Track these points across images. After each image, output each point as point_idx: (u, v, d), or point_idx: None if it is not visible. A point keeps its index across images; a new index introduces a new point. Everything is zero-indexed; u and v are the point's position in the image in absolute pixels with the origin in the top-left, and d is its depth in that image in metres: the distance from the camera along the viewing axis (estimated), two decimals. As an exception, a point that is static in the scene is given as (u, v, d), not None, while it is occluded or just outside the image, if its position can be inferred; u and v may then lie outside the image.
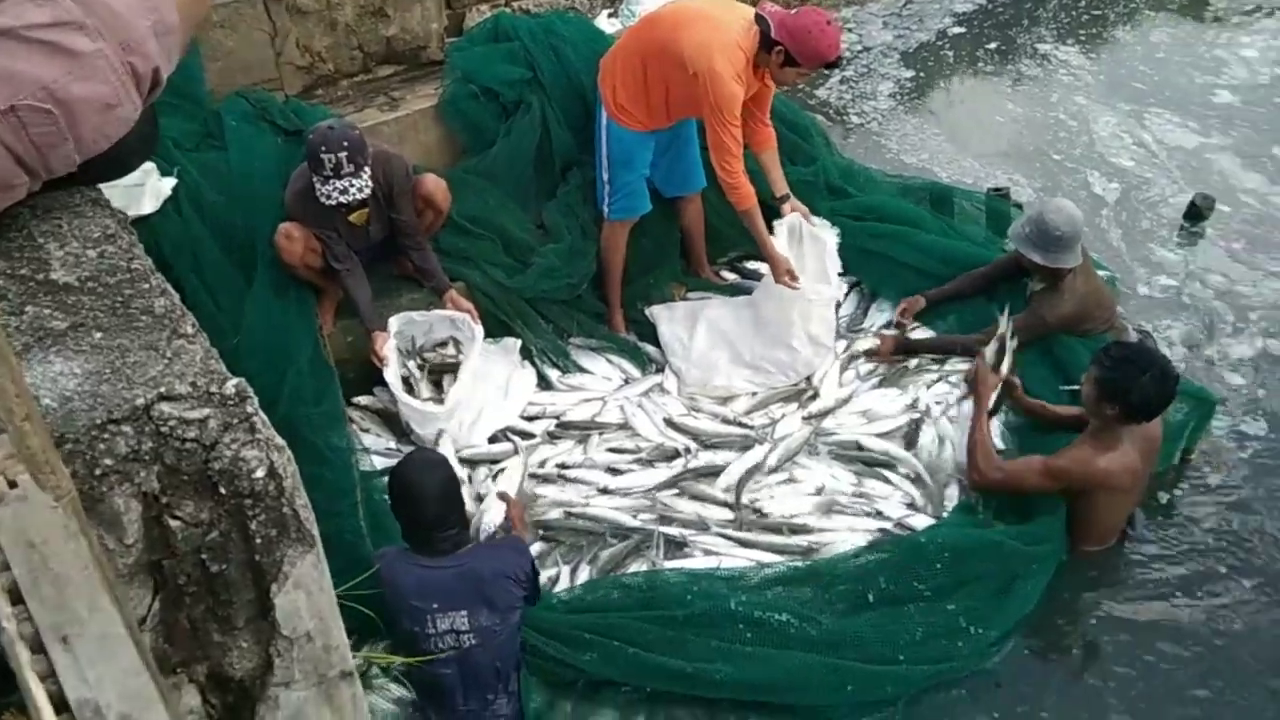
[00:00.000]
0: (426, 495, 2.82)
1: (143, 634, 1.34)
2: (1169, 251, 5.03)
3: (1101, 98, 6.42)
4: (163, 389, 1.32)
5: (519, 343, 4.09)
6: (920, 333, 4.20)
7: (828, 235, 4.21)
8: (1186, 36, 7.21)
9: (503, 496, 3.50)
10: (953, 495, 3.57)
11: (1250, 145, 5.88)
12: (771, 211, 4.11)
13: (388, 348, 3.73)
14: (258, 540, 1.36)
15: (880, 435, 3.82)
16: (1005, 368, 3.63)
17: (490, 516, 3.47)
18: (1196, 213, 5.20)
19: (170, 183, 3.65)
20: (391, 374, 3.72)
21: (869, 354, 4.13)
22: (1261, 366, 4.28)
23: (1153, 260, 4.97)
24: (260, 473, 1.32)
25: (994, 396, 3.57)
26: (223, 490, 1.33)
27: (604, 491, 3.64)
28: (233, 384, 1.35)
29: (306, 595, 1.43)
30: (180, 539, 1.35)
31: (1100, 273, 4.14)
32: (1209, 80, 6.57)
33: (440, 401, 3.80)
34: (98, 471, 1.27)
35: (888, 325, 4.32)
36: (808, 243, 4.18)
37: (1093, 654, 3.20)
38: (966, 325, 4.15)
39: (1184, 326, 4.50)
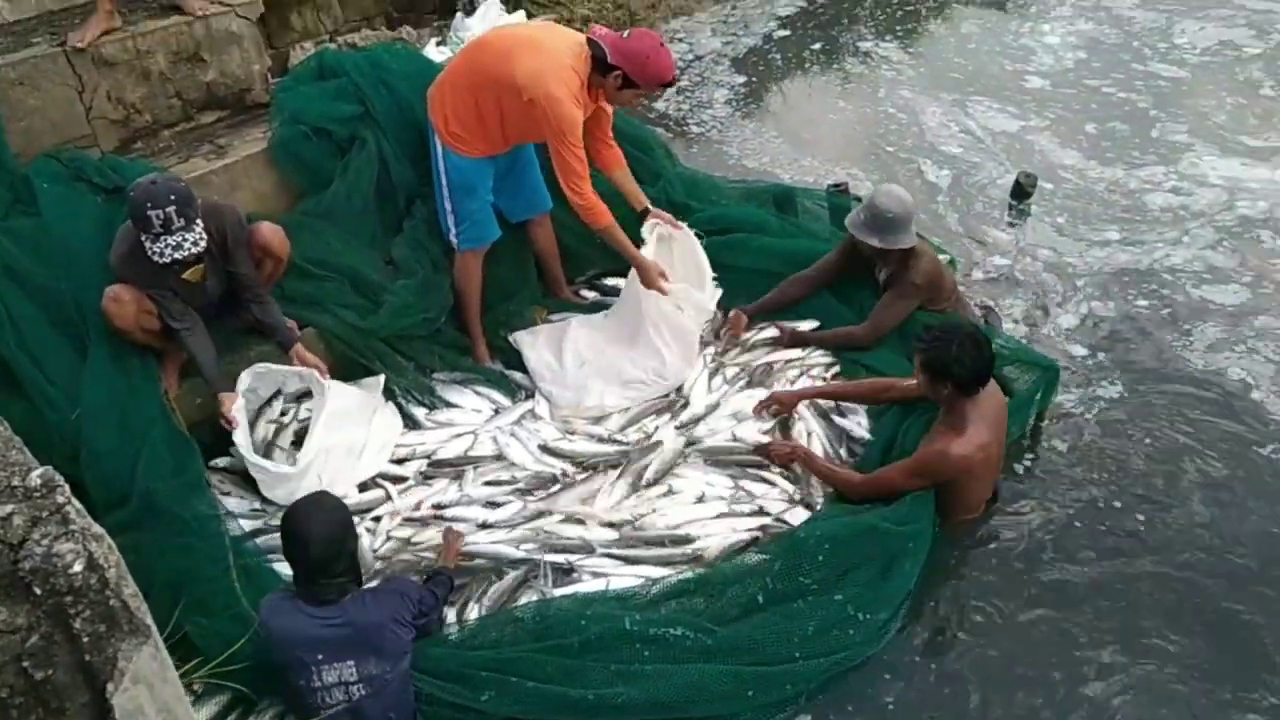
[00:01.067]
0: (311, 539, 2.73)
1: (-35, 759, 1.22)
2: (1001, 231, 5.30)
3: (925, 90, 6.75)
4: (-43, 488, 1.21)
5: (382, 379, 3.97)
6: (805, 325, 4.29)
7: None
8: (994, 27, 7.67)
9: (443, 531, 3.45)
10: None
11: (1065, 125, 6.27)
12: (636, 227, 4.13)
13: (235, 409, 3.56)
14: (85, 639, 1.25)
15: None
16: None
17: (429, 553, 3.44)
18: (1021, 191, 5.50)
19: (-21, 255, 3.41)
20: (241, 436, 3.56)
21: (775, 341, 4.20)
22: (1095, 331, 4.55)
23: (987, 240, 5.23)
24: (78, 566, 1.22)
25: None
26: (38, 590, 1.22)
27: (484, 526, 3.56)
28: (38, 474, 1.25)
29: (148, 689, 1.33)
30: (-4, 649, 1.24)
31: (940, 256, 4.31)
32: (1019, 67, 7.00)
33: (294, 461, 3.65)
34: (-111, 588, 1.15)
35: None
36: (678, 247, 4.20)
37: (976, 622, 3.31)
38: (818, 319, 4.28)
39: (1022, 301, 4.75)
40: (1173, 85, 6.72)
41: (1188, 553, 3.45)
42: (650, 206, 4.22)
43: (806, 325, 4.26)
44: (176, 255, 3.26)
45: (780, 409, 3.89)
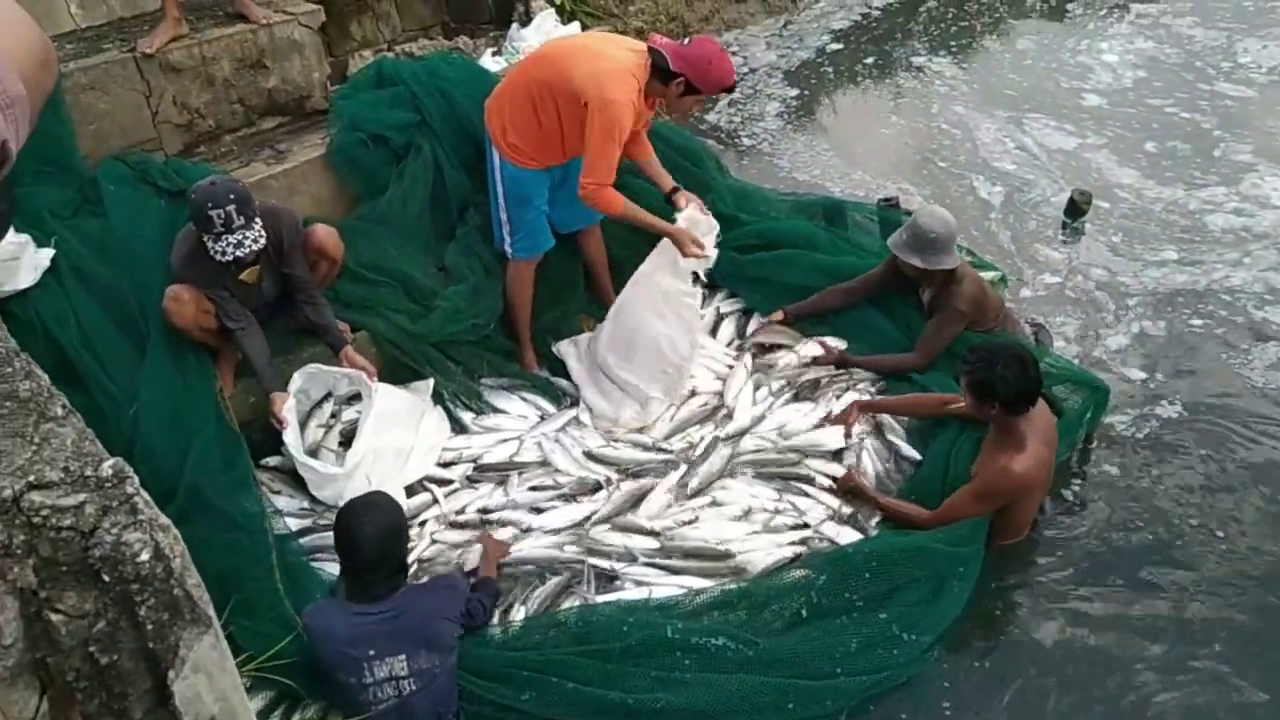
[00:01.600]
0: (363, 538, 2.77)
1: (31, 739, 1.26)
2: (1053, 250, 5.23)
3: (979, 106, 6.68)
4: (32, 477, 1.24)
5: (431, 383, 4.02)
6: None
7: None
8: (1051, 43, 7.56)
9: (483, 539, 3.46)
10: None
11: (1124, 144, 6.17)
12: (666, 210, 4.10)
13: (286, 408, 3.63)
14: (149, 626, 1.29)
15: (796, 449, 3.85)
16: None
17: (471, 558, 3.45)
18: (1075, 208, 5.42)
19: (48, 253, 3.52)
20: (290, 436, 3.62)
21: (816, 360, 4.17)
22: (1148, 350, 4.47)
23: (1040, 258, 5.16)
24: (145, 555, 1.25)
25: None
26: (106, 578, 1.25)
27: (527, 532, 3.59)
28: (109, 464, 1.28)
29: (207, 678, 1.36)
30: (64, 633, 1.27)
31: (991, 273, 4.28)
32: (1076, 85, 6.90)
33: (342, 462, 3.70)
34: (-34, 571, 1.20)
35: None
36: (701, 230, 4.18)
37: (1018, 649, 3.26)
38: (847, 336, 4.27)
39: (1074, 320, 4.68)
40: (1239, 105, 6.57)
41: (1243, 585, 3.37)
42: (678, 186, 4.17)
43: (837, 342, 4.24)
44: (238, 253, 3.33)
45: (846, 421, 3.86)
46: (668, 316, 4.08)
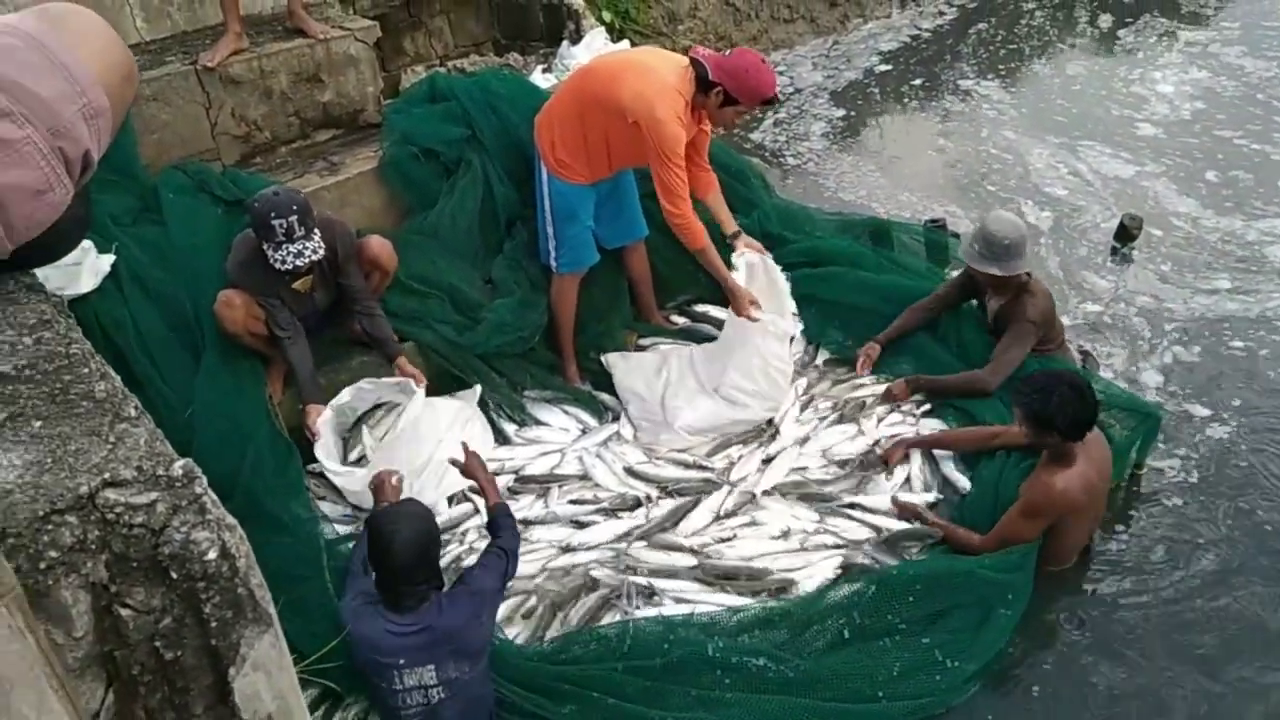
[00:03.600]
0: (395, 546, 2.77)
1: (96, 730, 1.30)
2: (1100, 277, 5.17)
3: (1029, 131, 6.64)
4: (107, 475, 1.28)
5: (478, 390, 4.05)
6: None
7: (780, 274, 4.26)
8: (1101, 70, 7.50)
9: (457, 461, 3.35)
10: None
11: (1183, 172, 6.07)
12: (725, 251, 4.14)
13: (321, 421, 3.67)
14: (213, 623, 1.32)
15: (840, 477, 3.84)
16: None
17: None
18: (1125, 233, 5.36)
19: (109, 259, 3.60)
20: (321, 449, 3.65)
21: (887, 396, 4.08)
22: (1198, 378, 4.40)
23: (1086, 285, 5.10)
24: (212, 554, 1.28)
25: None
26: (174, 575, 1.29)
27: (567, 550, 3.59)
28: (180, 465, 1.32)
29: (266, 676, 1.39)
30: (132, 628, 1.31)
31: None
32: (1129, 114, 6.81)
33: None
34: (42, 565, 1.23)
35: (838, 362, 4.37)
36: (762, 278, 4.22)
37: (1067, 682, 3.20)
38: (922, 362, 4.21)
39: (1121, 348, 4.61)
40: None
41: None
42: (740, 231, 4.23)
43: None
44: (297, 262, 3.39)
45: (891, 459, 3.83)
46: (756, 377, 4.06)
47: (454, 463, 3.36)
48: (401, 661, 2.78)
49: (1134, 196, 5.84)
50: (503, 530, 3.11)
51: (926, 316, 4.23)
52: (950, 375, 4.05)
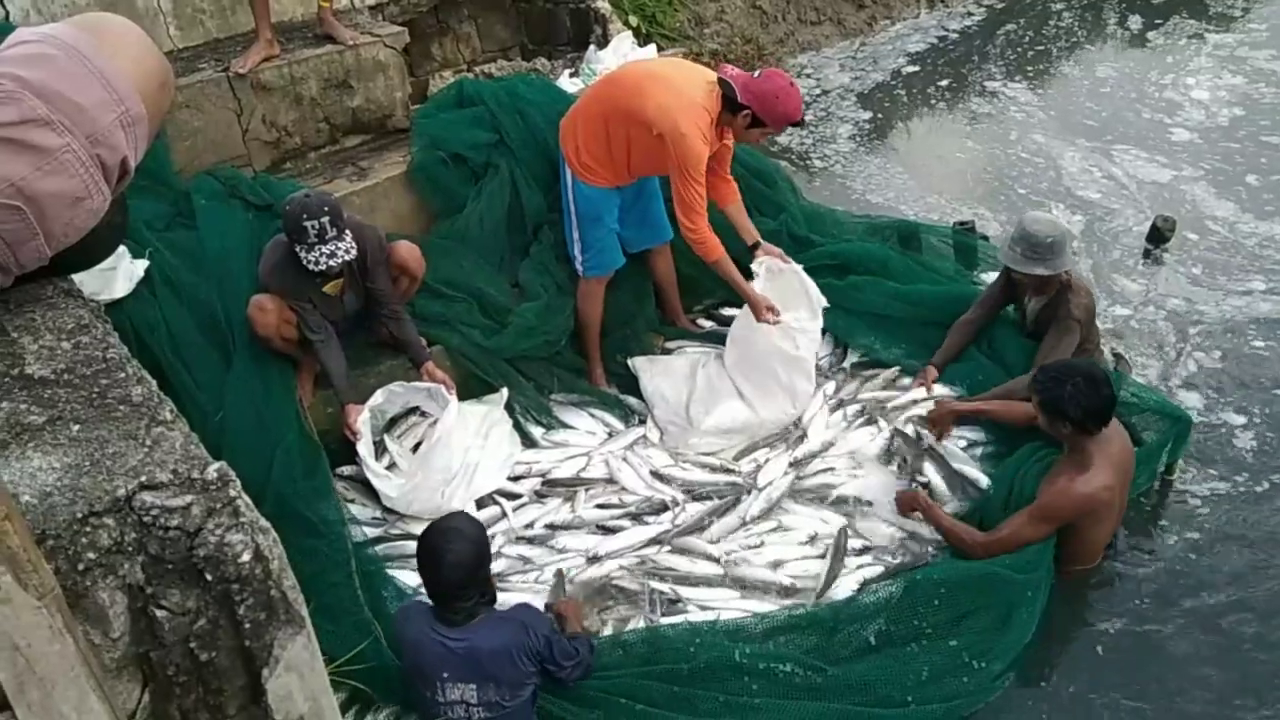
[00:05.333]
0: (444, 562, 2.73)
1: (133, 730, 1.32)
2: (1131, 280, 5.11)
3: (1058, 134, 6.58)
4: (143, 478, 1.31)
5: (505, 393, 4.07)
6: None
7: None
8: (1132, 73, 7.40)
9: (552, 608, 3.27)
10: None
11: (1223, 176, 5.97)
12: (746, 259, 4.14)
13: (360, 420, 3.71)
14: (247, 625, 1.34)
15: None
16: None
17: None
18: (1158, 235, 5.30)
19: (143, 264, 3.65)
20: (363, 447, 3.69)
21: (929, 418, 3.87)
22: (1229, 381, 4.34)
23: (1116, 288, 5.06)
24: (246, 556, 1.30)
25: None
26: (209, 577, 1.31)
27: (594, 560, 3.57)
28: (214, 468, 1.34)
29: (299, 677, 1.40)
30: (168, 629, 1.33)
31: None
32: (1161, 118, 6.72)
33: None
34: (81, 566, 1.25)
35: (866, 365, 4.35)
36: (787, 278, 4.20)
37: (1092, 677, 3.18)
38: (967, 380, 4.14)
39: (1150, 350, 4.57)
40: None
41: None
42: (761, 241, 4.23)
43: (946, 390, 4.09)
44: (331, 262, 3.42)
45: (936, 425, 3.79)
46: (780, 369, 4.05)
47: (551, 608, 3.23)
48: (445, 674, 2.75)
49: (1170, 200, 5.76)
50: (581, 645, 2.96)
51: (974, 330, 4.13)
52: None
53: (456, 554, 2.74)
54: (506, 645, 2.76)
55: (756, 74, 3.86)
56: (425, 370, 3.86)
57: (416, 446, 3.92)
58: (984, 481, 3.66)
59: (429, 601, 2.86)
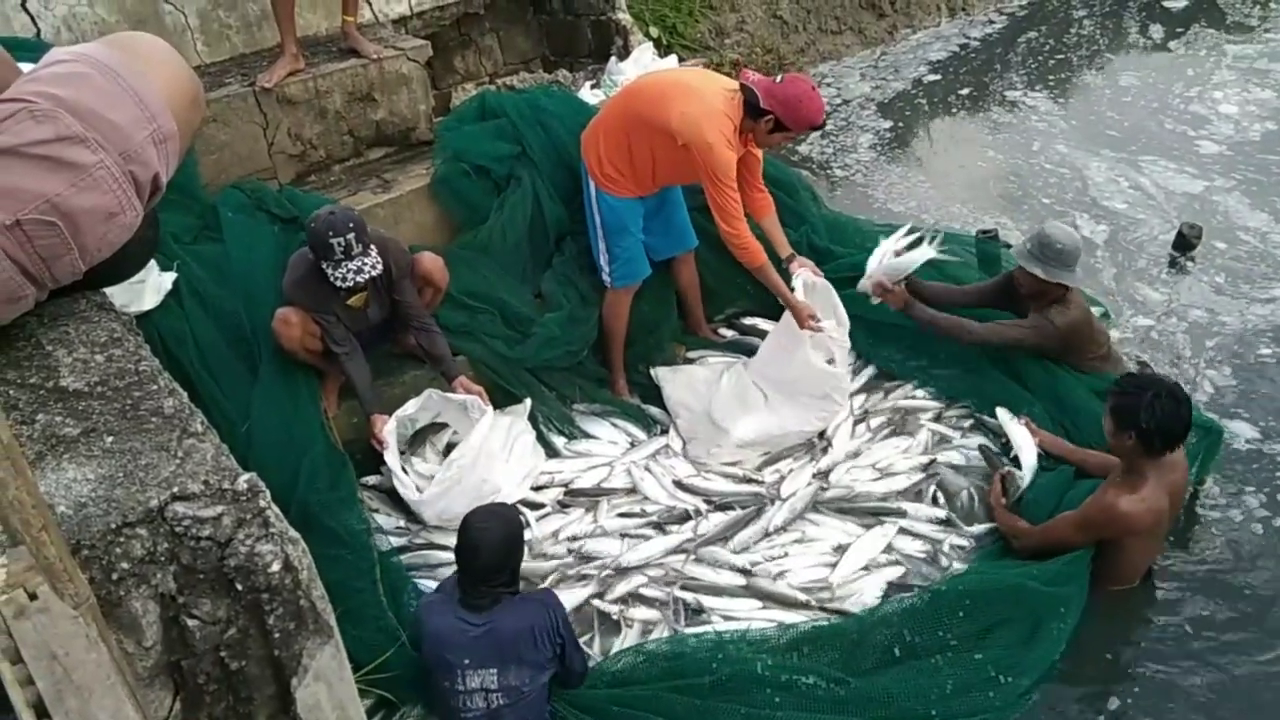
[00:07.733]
0: (480, 546, 2.84)
1: (164, 738, 1.33)
2: (1155, 290, 5.06)
3: (1081, 143, 6.52)
4: (175, 489, 1.33)
5: (529, 403, 4.08)
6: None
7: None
8: (1153, 83, 7.32)
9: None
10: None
11: (1257, 187, 5.88)
12: (781, 273, 4.13)
13: (386, 430, 3.74)
14: (276, 634, 1.36)
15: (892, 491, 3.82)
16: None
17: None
18: (1184, 242, 5.25)
19: (171, 277, 3.69)
20: (391, 457, 3.72)
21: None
22: (1255, 391, 4.29)
23: (1138, 298, 5.00)
24: (276, 566, 1.32)
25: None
26: (239, 586, 1.33)
27: (620, 571, 3.57)
28: (245, 479, 1.36)
29: (327, 686, 1.42)
30: (199, 638, 1.35)
31: (1095, 309, 4.16)
32: (1185, 130, 6.63)
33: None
34: (115, 576, 1.28)
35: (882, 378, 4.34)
36: (821, 293, 4.20)
37: (1124, 699, 3.14)
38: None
39: (1178, 360, 4.52)
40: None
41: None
42: (795, 253, 4.23)
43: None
44: (358, 278, 3.45)
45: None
46: (810, 389, 4.06)
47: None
48: (467, 661, 2.82)
49: (1201, 211, 5.67)
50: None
51: (962, 298, 4.17)
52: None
53: (496, 538, 2.86)
54: (530, 624, 2.84)
55: (779, 79, 3.87)
56: (459, 384, 3.87)
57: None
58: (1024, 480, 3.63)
59: (451, 591, 2.93)
